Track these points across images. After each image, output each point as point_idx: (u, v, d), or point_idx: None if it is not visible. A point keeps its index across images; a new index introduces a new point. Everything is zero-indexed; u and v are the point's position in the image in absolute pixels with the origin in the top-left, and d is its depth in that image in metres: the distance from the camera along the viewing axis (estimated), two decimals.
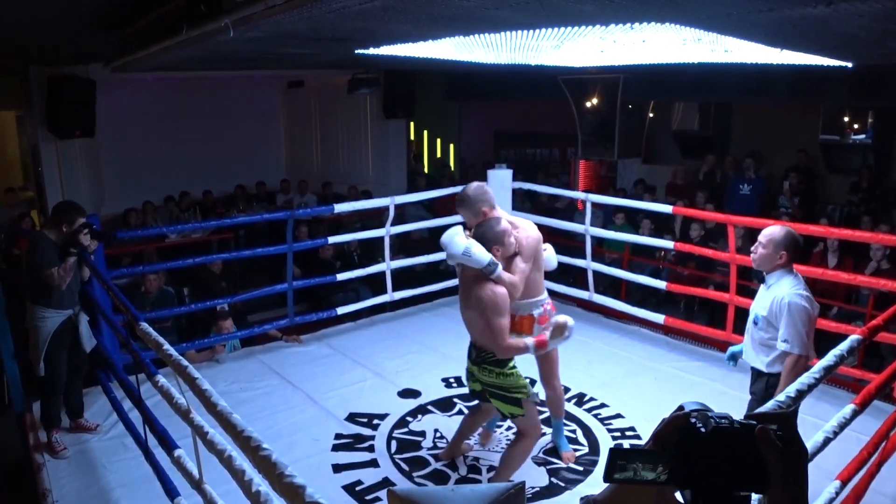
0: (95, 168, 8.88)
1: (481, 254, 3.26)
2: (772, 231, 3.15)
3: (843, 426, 2.53)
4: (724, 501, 0.76)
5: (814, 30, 3.18)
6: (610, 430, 4.25)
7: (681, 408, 0.82)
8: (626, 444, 4.08)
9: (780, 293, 3.04)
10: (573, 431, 4.24)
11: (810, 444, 2.39)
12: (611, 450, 0.77)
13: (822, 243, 6.73)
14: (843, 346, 2.48)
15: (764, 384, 3.19)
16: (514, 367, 3.36)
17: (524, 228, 3.55)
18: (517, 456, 3.47)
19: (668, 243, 6.12)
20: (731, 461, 0.75)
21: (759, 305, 3.18)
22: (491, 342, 3.25)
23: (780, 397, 2.12)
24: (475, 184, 3.61)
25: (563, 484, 3.70)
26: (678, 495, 0.81)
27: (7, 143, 11.08)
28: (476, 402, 3.72)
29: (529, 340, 3.34)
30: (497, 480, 3.46)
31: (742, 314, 5.24)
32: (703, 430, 0.76)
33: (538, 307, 3.65)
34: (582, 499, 0.87)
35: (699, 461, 0.76)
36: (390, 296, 6.04)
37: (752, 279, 6.73)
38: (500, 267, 3.30)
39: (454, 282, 6.62)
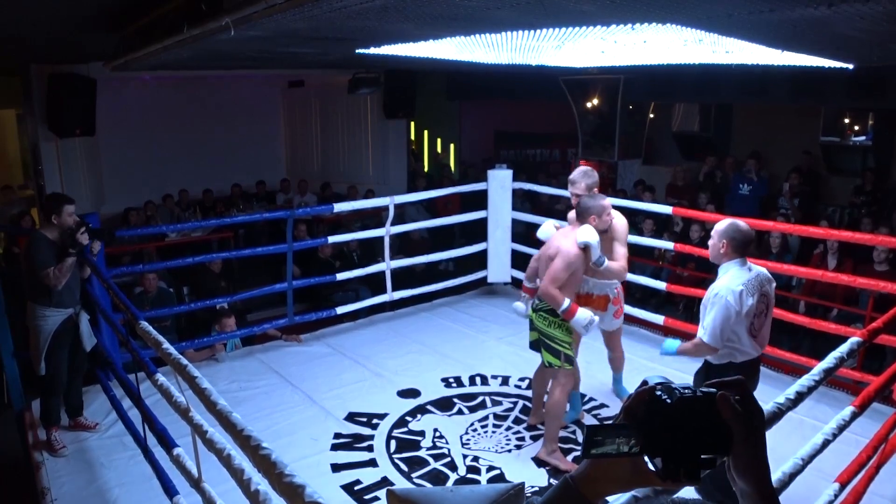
0: (95, 167, 8.88)
1: (598, 251, 3.87)
2: (718, 223, 3.23)
3: (842, 428, 2.53)
4: (692, 465, 0.81)
5: (815, 31, 3.18)
6: None
7: (644, 382, 0.87)
8: None
9: (718, 284, 3.11)
10: (573, 432, 4.24)
11: (809, 445, 2.40)
12: (587, 427, 0.82)
13: (821, 245, 6.73)
14: (842, 349, 2.49)
15: (704, 372, 3.33)
16: (564, 320, 3.75)
17: (618, 215, 4.11)
18: (558, 403, 3.83)
19: (668, 244, 6.12)
20: (696, 427, 0.81)
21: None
22: (546, 282, 3.72)
23: (780, 399, 2.12)
24: (584, 170, 4.20)
25: None
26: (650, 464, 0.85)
27: (7, 142, 11.08)
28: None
29: (566, 302, 3.70)
30: (548, 433, 3.89)
31: None
32: (668, 400, 0.81)
33: (612, 288, 4.22)
34: (562, 478, 0.90)
35: (667, 430, 0.81)
36: (390, 296, 6.04)
37: None
38: (606, 260, 3.92)
39: (454, 282, 6.65)
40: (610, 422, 0.85)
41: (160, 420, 3.30)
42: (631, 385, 4.85)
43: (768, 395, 4.04)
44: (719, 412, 0.81)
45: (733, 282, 3.05)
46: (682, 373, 5.01)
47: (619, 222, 4.04)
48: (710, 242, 3.23)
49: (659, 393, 0.82)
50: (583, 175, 4.14)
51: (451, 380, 4.95)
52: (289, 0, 2.41)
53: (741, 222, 3.18)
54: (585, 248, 3.81)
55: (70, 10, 3.99)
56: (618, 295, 4.29)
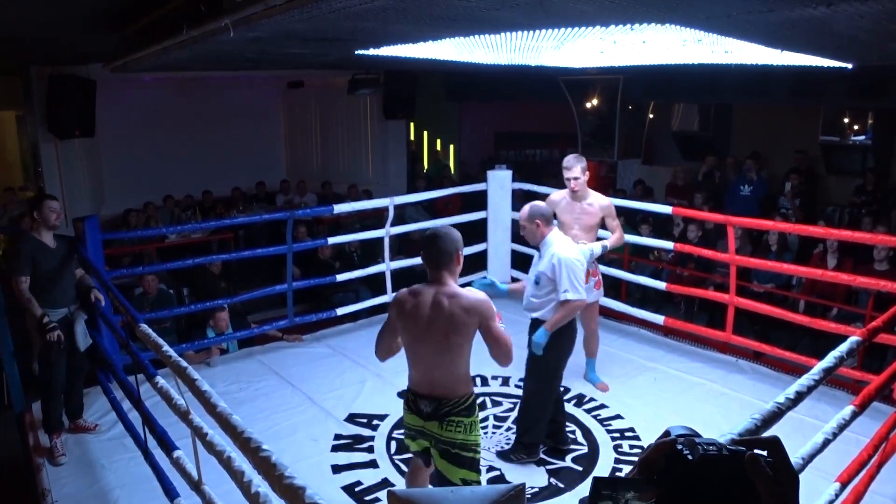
0: (95, 168, 8.88)
1: (594, 253, 4.29)
2: (521, 212, 3.74)
3: (842, 427, 2.52)
4: None
5: (814, 31, 3.18)
6: (609, 431, 4.25)
7: (667, 433, 0.79)
8: (624, 445, 4.08)
9: (554, 251, 3.63)
10: (573, 432, 4.24)
11: (809, 445, 2.40)
12: (594, 479, 0.74)
13: (821, 244, 6.73)
14: (842, 348, 2.48)
15: (532, 328, 3.80)
16: (476, 412, 2.85)
17: (601, 196, 4.61)
18: None
19: (668, 244, 6.12)
20: (720, 489, 0.73)
21: (538, 268, 3.75)
22: (499, 353, 2.80)
23: (780, 398, 2.12)
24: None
25: (562, 484, 3.70)
26: None
27: (7, 143, 11.08)
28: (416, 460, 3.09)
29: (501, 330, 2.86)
30: None
31: (742, 314, 5.26)
32: (690, 457, 0.73)
33: (591, 263, 4.43)
34: None
35: (687, 490, 0.73)
36: (390, 296, 6.03)
37: (752, 280, 6.74)
38: (606, 244, 4.50)
39: None
40: (621, 474, 0.78)
41: (160, 422, 3.30)
42: (632, 387, 4.85)
43: (768, 394, 4.05)
44: (747, 474, 0.72)
45: (565, 244, 3.69)
46: (683, 372, 5.02)
47: (604, 201, 4.60)
48: (522, 232, 3.73)
49: (680, 447, 0.74)
50: (577, 159, 4.55)
51: None
52: (289, 1, 2.41)
53: (536, 202, 3.75)
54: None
55: (70, 11, 3.99)
56: (595, 267, 4.58)
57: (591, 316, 4.71)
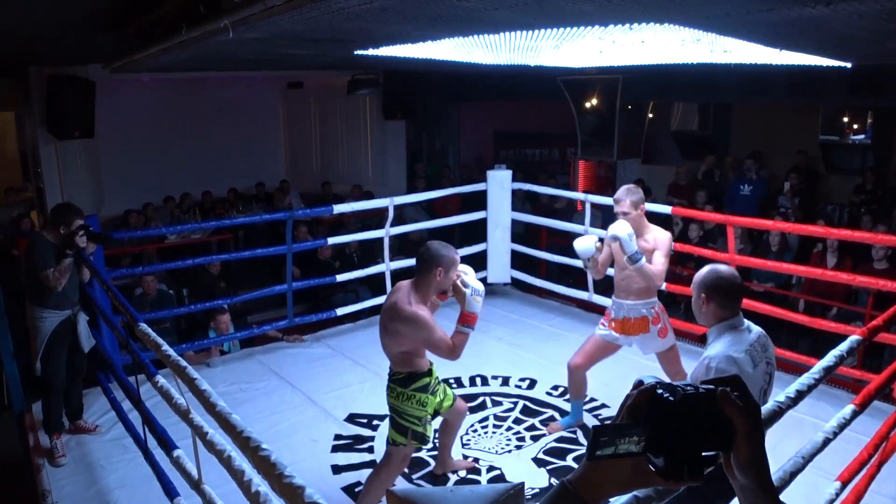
0: (95, 169, 8.87)
1: (633, 245, 3.74)
2: (699, 272, 2.58)
3: (842, 427, 2.52)
4: (695, 462, 0.82)
5: (813, 30, 3.18)
6: None
7: (640, 382, 0.87)
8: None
9: (709, 352, 2.44)
10: (573, 432, 4.24)
11: (809, 444, 2.39)
12: (593, 428, 0.83)
13: (820, 243, 6.73)
14: (842, 347, 2.48)
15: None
16: (417, 389, 3.25)
17: (660, 229, 3.97)
18: (381, 483, 3.28)
19: None
20: (700, 424, 0.82)
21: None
22: (441, 355, 3.19)
23: (780, 397, 2.12)
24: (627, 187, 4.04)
25: None
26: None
27: (6, 144, 11.07)
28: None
29: (462, 327, 3.21)
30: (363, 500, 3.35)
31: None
32: (671, 398, 0.82)
33: (649, 308, 3.95)
34: (559, 483, 0.89)
35: (672, 428, 0.81)
36: None
37: (752, 279, 6.74)
38: (644, 259, 3.75)
39: None
40: (612, 422, 0.85)
41: (160, 422, 3.30)
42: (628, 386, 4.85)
43: None
44: (721, 408, 0.82)
45: (731, 348, 2.39)
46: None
47: (662, 235, 3.91)
48: (692, 298, 2.59)
49: (661, 391, 0.83)
50: (627, 192, 3.91)
51: (451, 380, 4.94)
52: (288, 2, 2.41)
53: (723, 267, 2.58)
54: (614, 240, 3.78)
55: (70, 11, 3.99)
56: (657, 314, 3.94)
57: (671, 366, 4.08)
